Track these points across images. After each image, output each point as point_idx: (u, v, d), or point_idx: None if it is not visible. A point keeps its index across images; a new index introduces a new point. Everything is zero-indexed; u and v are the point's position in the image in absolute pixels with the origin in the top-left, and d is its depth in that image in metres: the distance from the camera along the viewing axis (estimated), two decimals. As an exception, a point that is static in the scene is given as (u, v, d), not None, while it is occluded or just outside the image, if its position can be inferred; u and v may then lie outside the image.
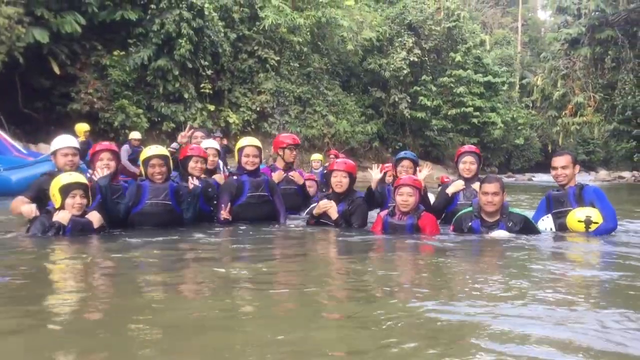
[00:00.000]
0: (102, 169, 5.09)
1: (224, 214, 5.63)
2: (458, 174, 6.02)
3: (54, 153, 5.34)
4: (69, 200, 4.61)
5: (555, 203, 5.21)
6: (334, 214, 5.58)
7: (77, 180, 4.67)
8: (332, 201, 5.63)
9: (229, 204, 5.72)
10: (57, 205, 4.64)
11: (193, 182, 5.37)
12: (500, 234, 4.88)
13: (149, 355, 1.88)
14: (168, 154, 5.58)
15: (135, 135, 12.26)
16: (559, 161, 5.19)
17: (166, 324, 2.21)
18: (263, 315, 2.40)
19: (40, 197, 5.01)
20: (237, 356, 1.90)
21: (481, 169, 6.11)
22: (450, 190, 5.83)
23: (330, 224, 5.60)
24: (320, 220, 5.67)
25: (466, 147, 6.15)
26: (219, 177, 6.34)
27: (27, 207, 4.81)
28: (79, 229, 4.63)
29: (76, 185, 4.65)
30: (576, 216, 4.91)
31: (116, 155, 5.43)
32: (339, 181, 5.60)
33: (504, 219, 4.97)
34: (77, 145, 5.44)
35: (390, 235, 5.08)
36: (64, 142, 5.37)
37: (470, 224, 5.08)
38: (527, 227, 4.95)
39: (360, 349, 1.98)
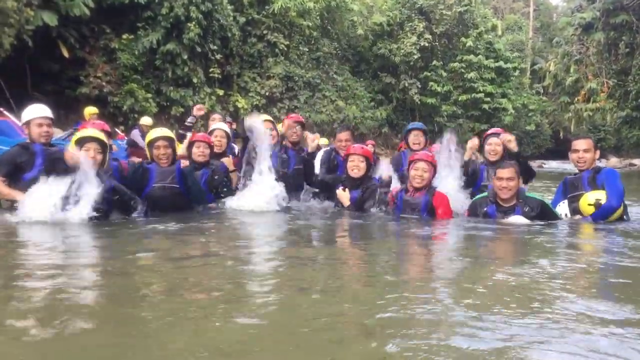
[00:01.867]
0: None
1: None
2: (483, 157, 5.90)
3: (27, 123, 5.03)
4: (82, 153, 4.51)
5: (571, 187, 5.12)
6: (345, 201, 5.49)
7: (93, 134, 4.64)
8: (345, 189, 5.53)
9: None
10: None
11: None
12: (516, 219, 4.80)
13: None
14: (173, 136, 5.45)
15: (146, 120, 12.25)
16: (581, 144, 5.04)
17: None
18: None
19: (13, 171, 4.80)
20: None
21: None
22: (466, 156, 5.68)
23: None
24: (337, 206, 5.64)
25: (493, 129, 6.06)
26: (227, 161, 6.18)
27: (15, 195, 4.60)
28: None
29: (91, 139, 4.60)
30: (587, 199, 4.85)
31: (108, 134, 5.29)
32: (355, 165, 5.48)
33: (520, 203, 4.88)
34: (52, 116, 5.18)
35: (405, 218, 5.01)
36: (38, 111, 5.07)
37: (485, 209, 5.01)
38: (544, 212, 4.86)
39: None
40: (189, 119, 6.79)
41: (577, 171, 5.13)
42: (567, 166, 6.34)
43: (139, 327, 1.96)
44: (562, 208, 5.11)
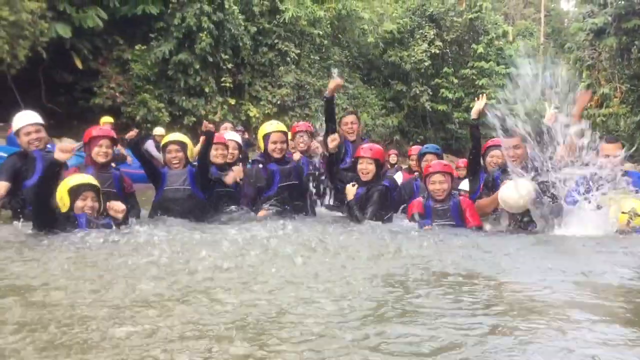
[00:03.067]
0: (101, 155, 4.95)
1: (263, 213, 5.35)
2: (484, 167, 5.82)
3: (17, 133, 4.97)
4: (79, 203, 4.27)
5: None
6: (350, 195, 5.35)
7: (89, 181, 4.37)
8: (354, 183, 5.41)
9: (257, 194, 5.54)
10: (63, 210, 4.27)
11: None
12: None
13: None
14: (186, 140, 5.43)
15: (159, 130, 12.57)
16: (613, 149, 4.95)
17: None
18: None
19: (14, 177, 4.74)
20: None
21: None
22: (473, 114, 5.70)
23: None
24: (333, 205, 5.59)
25: (493, 141, 5.85)
26: (237, 170, 6.19)
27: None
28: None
29: (87, 187, 4.33)
30: (622, 207, 4.63)
31: (114, 143, 5.23)
32: (364, 168, 5.39)
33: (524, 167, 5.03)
34: (41, 121, 5.11)
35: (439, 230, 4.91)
36: (25, 119, 4.98)
37: (495, 176, 5.36)
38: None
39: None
40: None
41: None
42: (580, 171, 6.27)
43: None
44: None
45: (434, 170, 5.11)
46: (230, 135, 6.55)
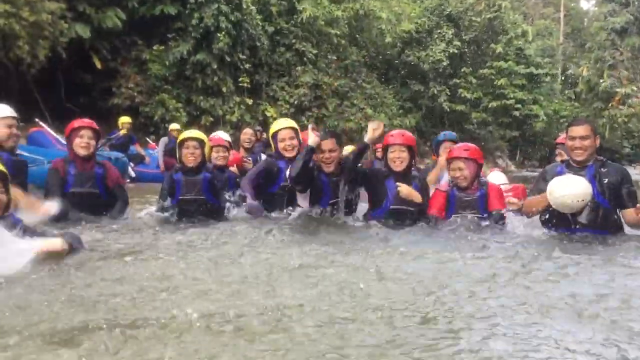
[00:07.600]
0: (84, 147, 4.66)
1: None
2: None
3: None
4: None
5: None
6: (417, 196, 4.71)
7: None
8: (407, 186, 4.73)
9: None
10: None
11: None
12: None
13: None
14: (204, 138, 5.22)
15: (174, 126, 12.71)
16: None
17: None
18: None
19: None
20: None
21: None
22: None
23: (410, 210, 4.74)
24: (394, 209, 4.75)
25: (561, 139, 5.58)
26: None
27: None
28: None
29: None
30: None
31: (97, 135, 4.91)
32: (397, 157, 4.70)
33: (597, 162, 4.19)
34: (16, 115, 4.66)
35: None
36: (5, 111, 4.51)
37: (555, 171, 4.39)
38: (624, 181, 4.15)
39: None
40: None
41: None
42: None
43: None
44: None
45: (455, 156, 4.61)
46: (219, 134, 6.31)
